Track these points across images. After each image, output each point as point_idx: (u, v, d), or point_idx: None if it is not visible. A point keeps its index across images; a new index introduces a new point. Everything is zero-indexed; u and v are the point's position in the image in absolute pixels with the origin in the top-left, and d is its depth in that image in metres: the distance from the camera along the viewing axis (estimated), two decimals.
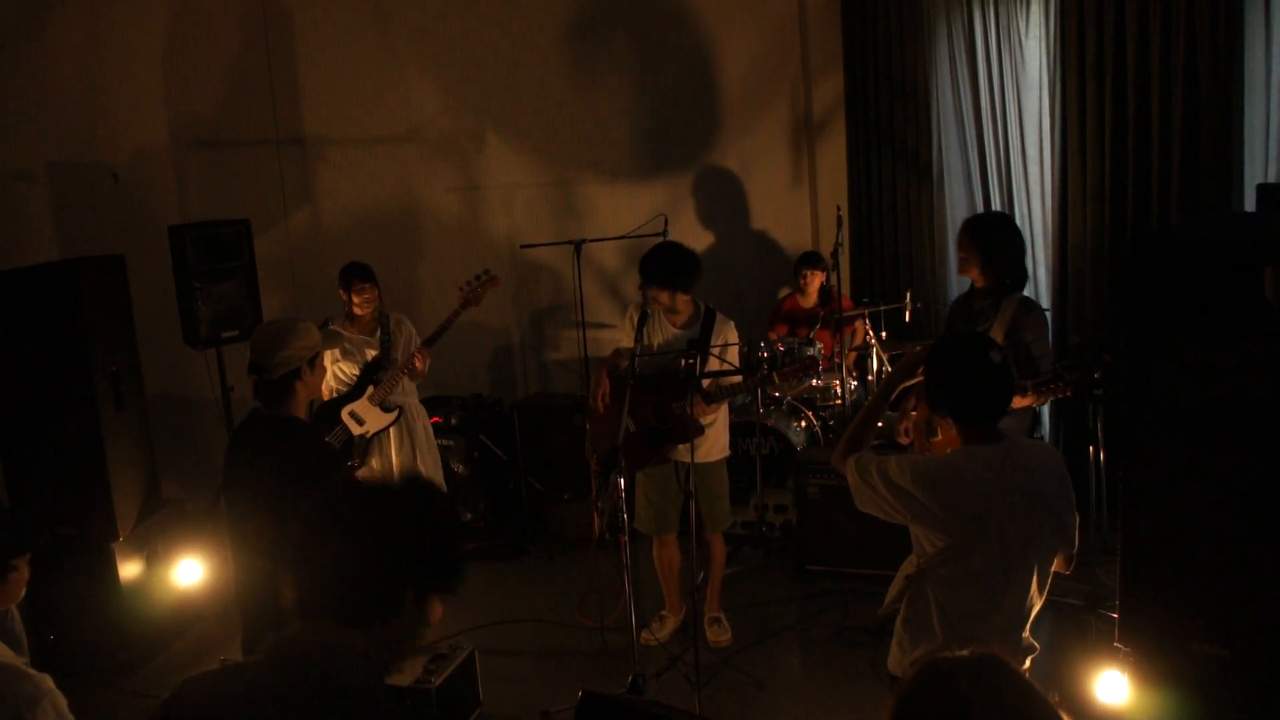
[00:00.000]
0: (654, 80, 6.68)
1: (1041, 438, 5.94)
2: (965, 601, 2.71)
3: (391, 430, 5.26)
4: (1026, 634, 2.81)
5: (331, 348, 4.85)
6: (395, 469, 5.32)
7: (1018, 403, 3.74)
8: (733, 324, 4.54)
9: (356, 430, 5.21)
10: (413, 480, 1.76)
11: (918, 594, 2.80)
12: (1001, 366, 2.71)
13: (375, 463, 5.30)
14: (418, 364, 5.13)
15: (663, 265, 4.38)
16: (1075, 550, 2.85)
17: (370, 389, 5.20)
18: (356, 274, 5.18)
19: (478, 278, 5.29)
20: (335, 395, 5.23)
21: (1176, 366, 2.76)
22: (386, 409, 5.23)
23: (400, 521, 1.65)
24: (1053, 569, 2.84)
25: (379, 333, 5.25)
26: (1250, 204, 4.85)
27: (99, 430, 4.68)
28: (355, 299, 5.17)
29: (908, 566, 2.87)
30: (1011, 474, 2.67)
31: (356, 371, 5.22)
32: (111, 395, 4.77)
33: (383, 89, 6.55)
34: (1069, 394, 3.63)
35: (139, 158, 6.16)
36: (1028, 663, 2.83)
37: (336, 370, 5.22)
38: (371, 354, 5.22)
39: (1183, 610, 2.88)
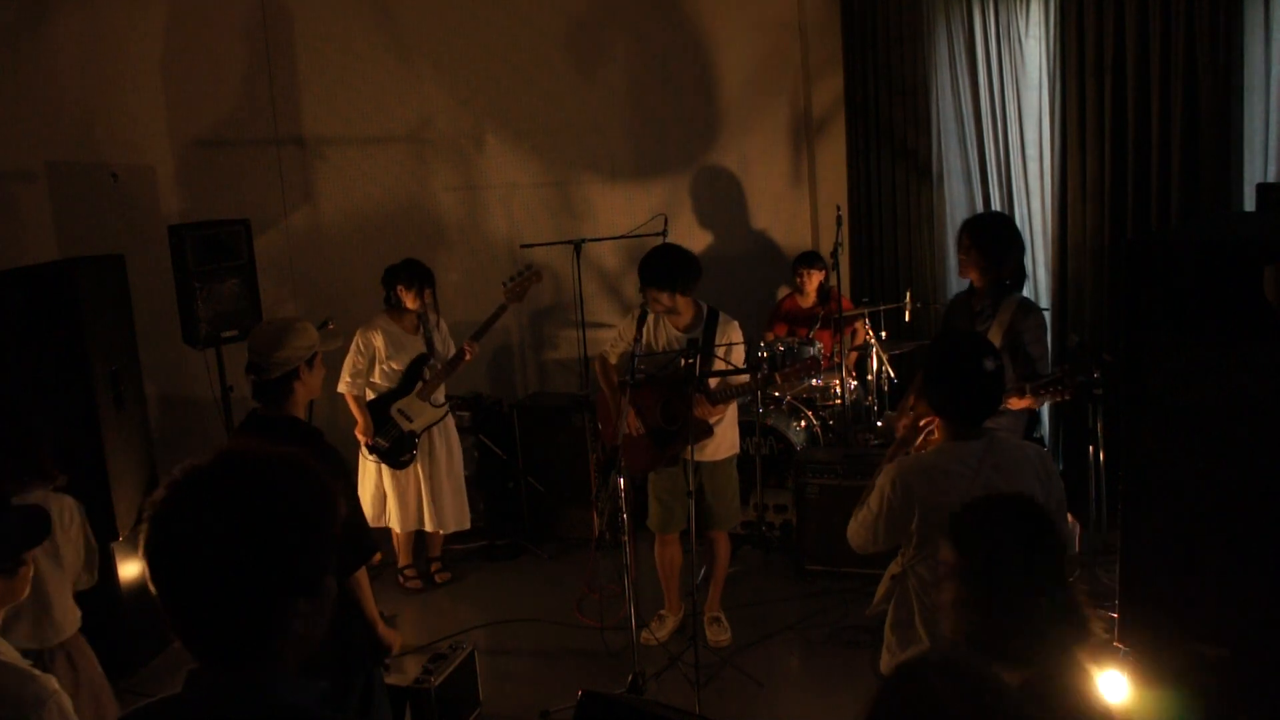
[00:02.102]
0: (653, 80, 6.68)
1: (1041, 438, 5.93)
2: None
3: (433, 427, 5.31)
4: None
5: (329, 347, 4.88)
6: (433, 465, 5.39)
7: (1015, 404, 3.74)
8: (736, 324, 4.54)
9: (407, 427, 5.28)
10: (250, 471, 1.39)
11: (903, 595, 2.82)
12: (993, 374, 2.74)
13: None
14: (468, 356, 5.27)
15: (661, 266, 4.39)
16: (1072, 556, 2.85)
17: (419, 385, 5.25)
18: (420, 276, 5.25)
19: (521, 274, 5.41)
20: (382, 393, 5.30)
21: (1176, 366, 2.76)
22: (435, 404, 5.29)
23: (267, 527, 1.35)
24: None
25: (421, 330, 5.31)
26: (1250, 204, 4.85)
27: (98, 430, 4.67)
28: (415, 298, 5.23)
29: (893, 567, 2.89)
30: (987, 472, 2.68)
31: (402, 368, 5.25)
32: (111, 395, 4.76)
33: (382, 89, 6.55)
34: (1069, 397, 3.62)
35: (139, 158, 6.16)
36: None
37: (384, 368, 5.28)
38: (417, 350, 5.30)
39: (1182, 610, 2.88)
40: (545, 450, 6.07)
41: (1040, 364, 3.95)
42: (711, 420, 4.40)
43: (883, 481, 2.79)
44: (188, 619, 1.37)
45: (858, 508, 2.90)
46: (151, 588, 1.37)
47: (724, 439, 4.59)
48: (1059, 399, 3.66)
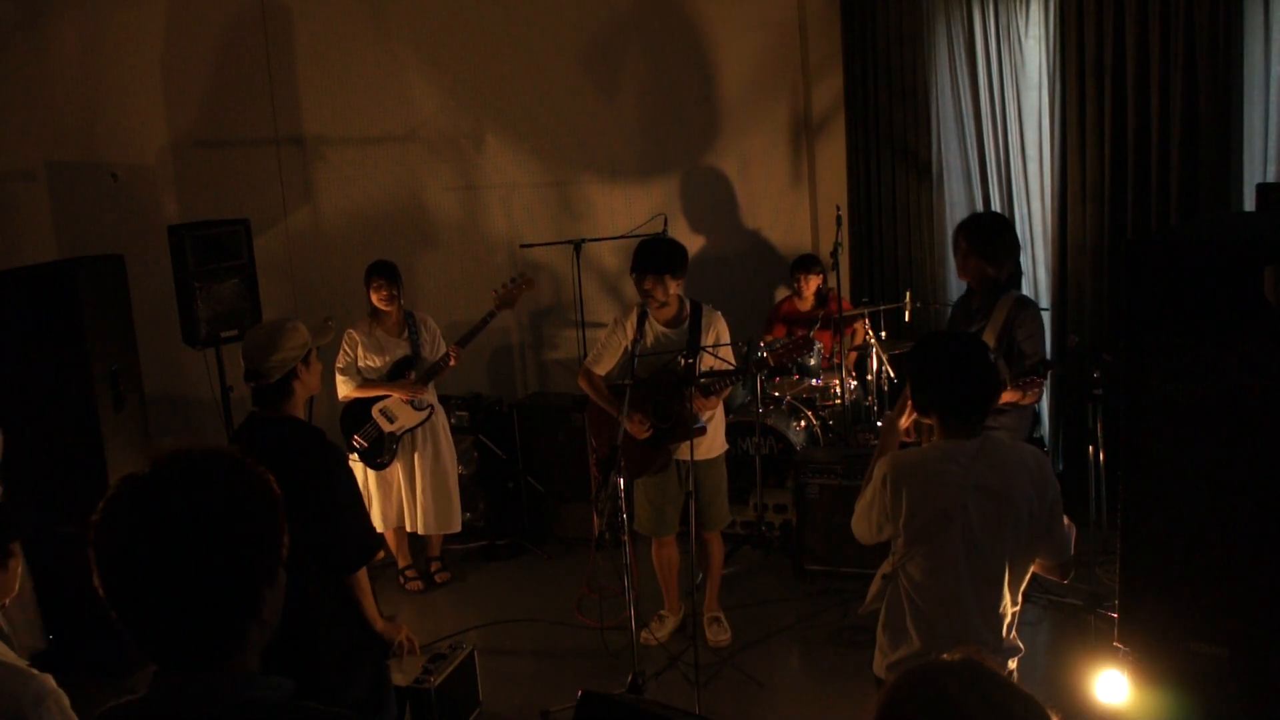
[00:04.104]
0: (653, 80, 6.68)
1: (1041, 438, 5.94)
2: (935, 600, 2.72)
3: (416, 429, 5.31)
4: (1012, 635, 2.80)
5: (322, 342, 4.93)
6: (416, 467, 5.37)
7: (1003, 398, 3.73)
8: (720, 314, 4.55)
9: (388, 427, 5.27)
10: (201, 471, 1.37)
11: (894, 594, 2.81)
12: (985, 371, 2.73)
13: (397, 461, 5.34)
14: (452, 361, 5.27)
15: (653, 252, 4.41)
16: (1068, 558, 2.83)
17: None
18: (375, 272, 5.31)
19: (513, 280, 5.45)
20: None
21: (1176, 366, 2.76)
22: (418, 407, 5.29)
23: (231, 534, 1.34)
24: (1030, 573, 2.83)
25: (406, 331, 5.31)
26: (1250, 204, 4.85)
27: (98, 430, 4.67)
28: (373, 296, 5.27)
29: (885, 566, 2.88)
30: (978, 471, 2.68)
31: (379, 368, 5.25)
32: (111, 395, 4.76)
33: (382, 89, 6.55)
34: (1039, 386, 3.62)
35: (138, 157, 6.16)
36: (1013, 664, 2.82)
37: (363, 368, 5.27)
38: (401, 352, 5.29)
39: (1182, 610, 2.88)
40: (545, 450, 6.07)
41: (1038, 355, 3.93)
42: (705, 416, 4.40)
43: (876, 474, 2.79)
44: (161, 625, 1.35)
45: (859, 497, 2.91)
46: (114, 599, 1.34)
47: (715, 438, 4.60)
48: (1036, 389, 3.65)
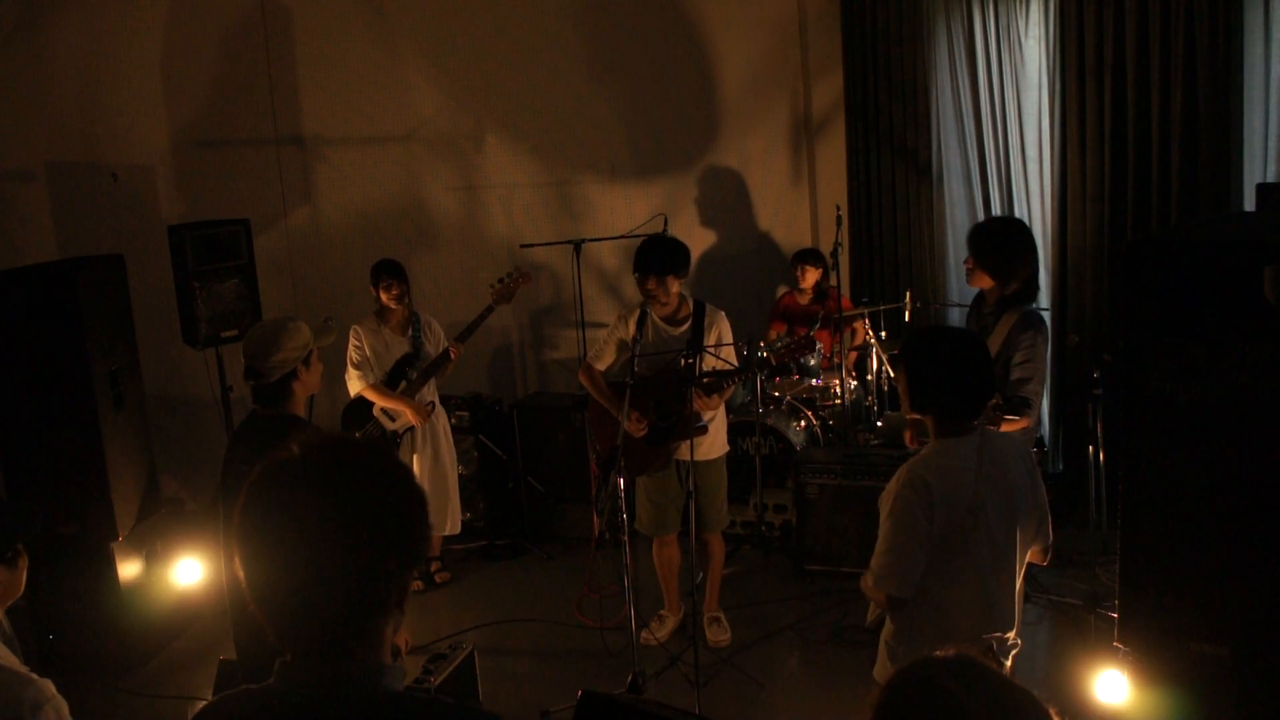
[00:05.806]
0: (653, 80, 6.68)
1: (1041, 438, 5.94)
2: (962, 599, 2.70)
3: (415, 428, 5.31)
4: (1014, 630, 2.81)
5: (324, 343, 4.93)
6: (415, 466, 5.37)
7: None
8: (723, 313, 4.55)
9: (389, 426, 5.28)
10: (355, 455, 1.37)
11: (915, 603, 2.75)
12: (986, 363, 2.73)
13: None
14: (453, 356, 5.30)
15: (655, 252, 4.41)
16: (1051, 542, 2.88)
17: (403, 385, 5.25)
18: (385, 270, 5.33)
19: (510, 275, 5.48)
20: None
21: (1176, 366, 2.76)
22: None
23: (378, 515, 1.33)
24: (1028, 560, 2.85)
25: (410, 330, 5.32)
26: (1250, 204, 4.85)
27: (98, 430, 4.67)
28: (384, 295, 5.29)
29: None
30: (987, 465, 2.68)
31: (384, 367, 5.26)
32: (110, 395, 4.76)
33: (382, 89, 6.54)
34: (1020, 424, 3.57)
35: (138, 157, 6.15)
36: (1009, 661, 2.82)
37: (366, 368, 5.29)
38: (404, 350, 5.32)
39: (1182, 610, 2.88)
40: (545, 450, 6.07)
41: (1029, 385, 3.63)
42: (707, 416, 4.40)
43: (897, 488, 2.68)
44: (298, 612, 1.32)
45: (875, 557, 2.73)
46: (253, 582, 1.32)
47: (716, 439, 4.60)
48: (1012, 425, 3.59)
